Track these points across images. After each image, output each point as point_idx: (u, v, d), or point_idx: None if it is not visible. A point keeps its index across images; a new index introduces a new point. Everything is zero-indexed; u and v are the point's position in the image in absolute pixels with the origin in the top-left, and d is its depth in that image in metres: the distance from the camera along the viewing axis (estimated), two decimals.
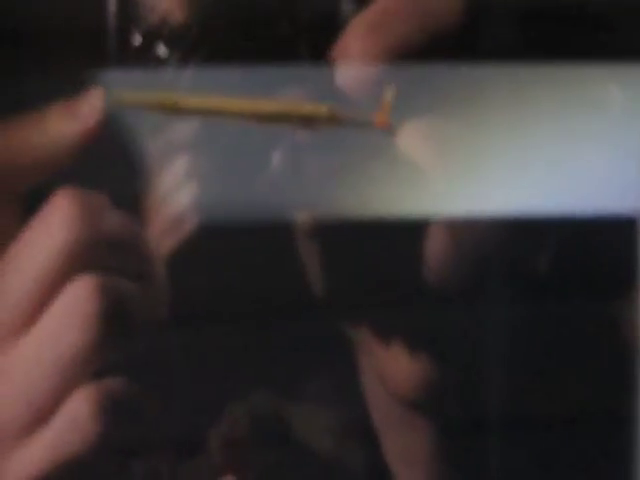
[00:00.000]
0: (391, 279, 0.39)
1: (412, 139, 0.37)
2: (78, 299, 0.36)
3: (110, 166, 0.38)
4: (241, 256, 0.39)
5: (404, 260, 0.39)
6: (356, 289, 0.39)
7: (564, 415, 0.40)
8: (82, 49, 0.40)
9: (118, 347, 0.36)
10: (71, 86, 0.39)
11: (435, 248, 0.38)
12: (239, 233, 0.37)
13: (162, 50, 0.38)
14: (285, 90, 0.37)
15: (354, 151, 0.37)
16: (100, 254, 0.36)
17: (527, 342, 0.40)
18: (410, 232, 0.38)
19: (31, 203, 0.38)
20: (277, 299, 0.39)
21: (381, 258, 0.39)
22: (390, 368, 0.39)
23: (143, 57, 0.39)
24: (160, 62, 0.38)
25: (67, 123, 0.38)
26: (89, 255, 0.36)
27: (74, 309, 0.35)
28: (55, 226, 0.36)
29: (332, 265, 0.39)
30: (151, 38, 0.39)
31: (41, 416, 0.35)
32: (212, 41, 0.38)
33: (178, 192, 0.39)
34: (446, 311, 0.39)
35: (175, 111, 0.36)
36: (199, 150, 0.38)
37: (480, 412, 0.40)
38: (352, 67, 0.37)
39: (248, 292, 0.38)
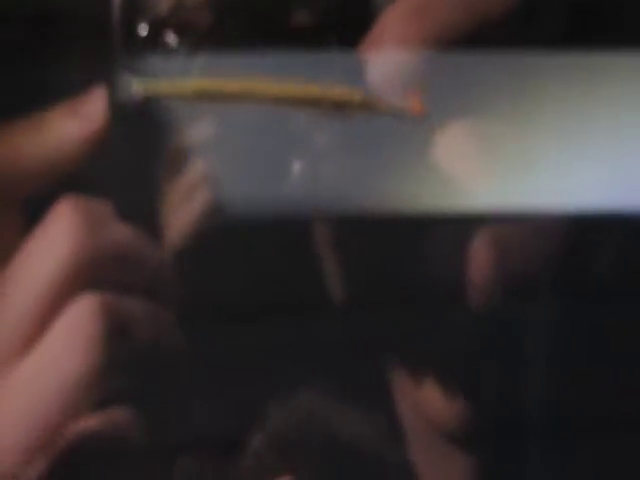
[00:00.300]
0: (420, 289, 0.38)
1: (455, 135, 0.36)
2: (81, 320, 0.34)
3: (123, 167, 0.37)
4: (273, 254, 0.38)
5: (436, 268, 0.37)
6: (381, 295, 0.38)
7: (608, 442, 0.39)
8: (87, 41, 0.38)
9: (123, 373, 0.34)
10: (76, 80, 0.37)
11: (479, 261, 0.37)
12: (263, 232, 0.36)
13: (172, 38, 0.37)
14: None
15: (382, 149, 0.36)
16: (105, 269, 0.35)
17: (579, 362, 0.39)
18: (447, 237, 0.37)
19: (33, 212, 0.36)
20: (316, 298, 0.38)
21: (411, 264, 0.38)
22: (427, 401, 0.38)
23: (151, 47, 0.37)
24: (170, 51, 0.37)
25: (70, 125, 0.36)
26: (93, 270, 0.34)
27: (76, 331, 0.34)
28: (57, 238, 0.34)
29: (357, 270, 0.38)
30: (159, 27, 0.37)
31: (42, 444, 0.34)
32: (224, 29, 0.37)
33: (196, 193, 0.37)
34: (485, 332, 0.38)
35: (205, 97, 0.35)
36: (216, 151, 0.37)
37: (520, 442, 0.39)
38: (390, 55, 0.36)
39: (283, 292, 0.37)
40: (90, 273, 0.34)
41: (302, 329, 0.37)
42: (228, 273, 0.37)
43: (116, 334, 0.34)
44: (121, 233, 0.35)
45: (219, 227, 0.37)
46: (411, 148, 0.36)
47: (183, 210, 0.37)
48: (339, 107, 0.35)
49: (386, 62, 0.35)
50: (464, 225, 0.36)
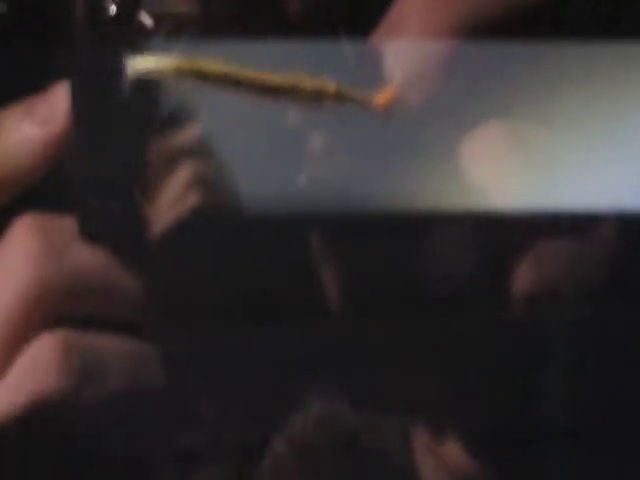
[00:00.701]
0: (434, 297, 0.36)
1: (485, 135, 0.34)
2: (42, 360, 0.31)
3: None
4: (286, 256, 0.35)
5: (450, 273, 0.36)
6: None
7: None
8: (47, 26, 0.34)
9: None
10: (37, 70, 0.33)
11: (522, 277, 0.35)
12: (258, 234, 0.34)
13: (146, 19, 0.34)
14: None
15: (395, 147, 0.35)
16: (71, 300, 0.31)
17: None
18: (465, 239, 0.35)
19: None
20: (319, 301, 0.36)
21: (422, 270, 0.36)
22: (449, 459, 0.36)
23: (121, 27, 0.34)
24: (143, 32, 0.34)
25: (27, 128, 0.32)
26: (57, 301, 0.31)
27: (38, 371, 0.31)
28: (15, 264, 0.31)
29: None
30: (131, 6, 0.34)
31: None
32: (206, 14, 0.35)
33: (187, 194, 0.35)
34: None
35: (186, 76, 0.33)
36: (207, 151, 0.35)
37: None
38: (410, 45, 0.34)
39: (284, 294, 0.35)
40: (53, 305, 0.30)
41: (312, 332, 0.35)
42: (229, 275, 0.34)
43: (82, 378, 0.30)
44: (90, 257, 0.31)
45: (211, 229, 0.34)
46: (432, 147, 0.34)
47: (172, 212, 0.34)
48: (313, 98, 0.34)
49: (406, 52, 0.33)
50: (486, 228, 0.35)
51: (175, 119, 0.34)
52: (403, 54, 0.33)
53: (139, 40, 0.33)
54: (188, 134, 0.33)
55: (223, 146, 0.35)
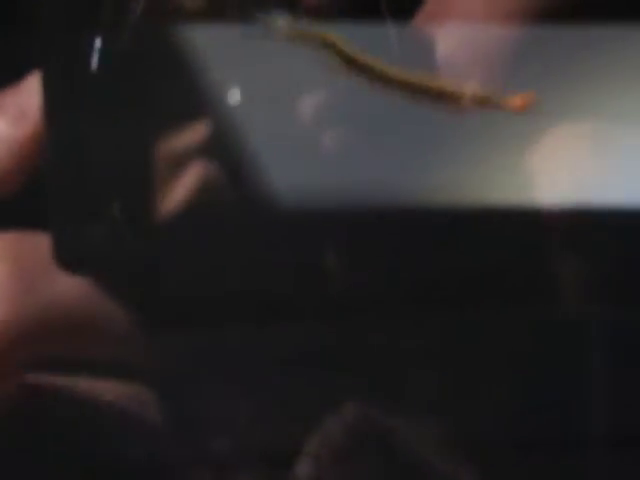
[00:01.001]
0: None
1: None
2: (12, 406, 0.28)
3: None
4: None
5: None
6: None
7: None
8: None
9: None
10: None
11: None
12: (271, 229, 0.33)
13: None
14: None
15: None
16: (47, 339, 0.28)
17: None
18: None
19: None
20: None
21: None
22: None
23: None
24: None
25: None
26: (30, 340, 0.27)
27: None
28: None
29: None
30: None
31: None
32: None
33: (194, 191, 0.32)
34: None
35: (335, 53, 0.33)
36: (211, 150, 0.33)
37: None
38: (462, 30, 0.33)
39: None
40: (26, 345, 0.27)
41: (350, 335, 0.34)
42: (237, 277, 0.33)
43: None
44: (70, 287, 0.27)
45: (218, 224, 0.33)
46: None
47: (178, 204, 0.31)
48: (451, 99, 0.34)
49: (457, 38, 0.32)
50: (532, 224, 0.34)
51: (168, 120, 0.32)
52: (457, 39, 0.32)
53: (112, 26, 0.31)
54: (186, 137, 0.31)
55: (229, 147, 0.33)
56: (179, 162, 0.32)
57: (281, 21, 0.33)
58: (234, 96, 0.33)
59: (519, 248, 0.35)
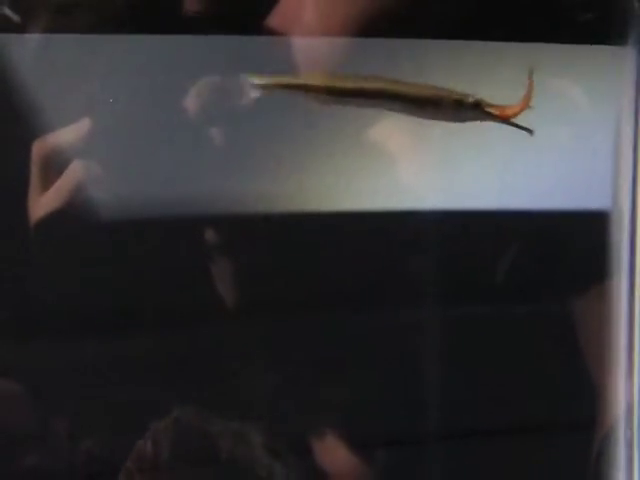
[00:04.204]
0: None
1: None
2: None
3: None
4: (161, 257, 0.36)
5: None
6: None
7: None
8: None
9: None
10: None
11: None
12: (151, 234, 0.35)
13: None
14: None
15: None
16: None
17: None
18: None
19: None
20: (197, 307, 0.37)
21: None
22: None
23: None
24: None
25: None
26: None
27: None
28: None
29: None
30: None
31: None
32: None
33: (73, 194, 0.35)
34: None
35: (328, 93, 0.34)
36: (96, 150, 0.35)
37: None
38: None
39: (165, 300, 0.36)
40: None
41: (179, 338, 0.36)
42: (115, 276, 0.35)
43: None
44: None
45: (101, 228, 0.35)
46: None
47: (56, 211, 0.34)
48: (453, 109, 0.34)
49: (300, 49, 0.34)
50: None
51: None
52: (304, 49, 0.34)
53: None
54: (68, 134, 0.32)
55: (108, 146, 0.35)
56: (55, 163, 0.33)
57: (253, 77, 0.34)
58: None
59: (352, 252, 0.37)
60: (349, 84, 0.34)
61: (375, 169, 0.37)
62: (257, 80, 0.34)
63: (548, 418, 0.39)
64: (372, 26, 0.34)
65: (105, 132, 0.35)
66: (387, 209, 0.36)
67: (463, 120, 0.34)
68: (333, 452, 0.37)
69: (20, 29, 0.34)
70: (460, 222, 0.37)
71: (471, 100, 0.34)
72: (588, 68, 0.39)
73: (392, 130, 0.35)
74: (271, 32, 0.35)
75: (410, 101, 0.34)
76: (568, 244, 0.39)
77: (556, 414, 0.39)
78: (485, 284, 0.38)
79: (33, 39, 0.34)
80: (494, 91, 0.35)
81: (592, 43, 0.38)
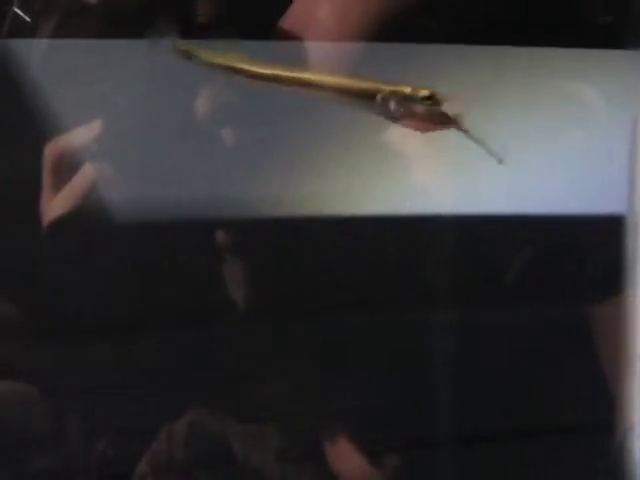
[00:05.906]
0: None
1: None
2: None
3: None
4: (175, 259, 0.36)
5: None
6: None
7: None
8: None
9: None
10: None
11: None
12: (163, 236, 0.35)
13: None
14: None
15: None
16: None
17: None
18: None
19: None
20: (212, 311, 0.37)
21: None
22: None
23: None
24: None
25: None
26: None
27: None
28: None
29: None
30: None
31: None
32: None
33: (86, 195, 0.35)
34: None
35: (242, 74, 0.34)
36: (107, 151, 0.35)
37: None
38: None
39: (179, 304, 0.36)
40: None
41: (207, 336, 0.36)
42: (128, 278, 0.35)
43: None
44: None
45: (113, 230, 0.35)
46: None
47: (68, 213, 0.34)
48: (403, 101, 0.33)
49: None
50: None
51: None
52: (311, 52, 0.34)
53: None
54: (81, 136, 0.32)
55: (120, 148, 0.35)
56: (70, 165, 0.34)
57: (175, 42, 0.34)
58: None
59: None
60: (266, 70, 0.34)
61: (389, 173, 0.37)
62: (181, 45, 0.34)
63: (564, 422, 0.39)
64: (384, 31, 0.34)
65: (117, 134, 0.35)
66: (401, 213, 0.36)
67: (396, 116, 0.33)
68: (346, 457, 0.36)
69: (33, 34, 0.34)
70: (474, 226, 0.37)
71: (425, 93, 0.33)
72: (604, 72, 0.39)
73: (406, 134, 0.35)
74: (283, 36, 0.35)
75: (339, 93, 0.33)
76: (583, 248, 0.39)
77: (572, 418, 0.39)
78: (499, 289, 0.38)
79: (45, 43, 0.34)
80: (508, 95, 0.35)
81: (608, 47, 0.38)
